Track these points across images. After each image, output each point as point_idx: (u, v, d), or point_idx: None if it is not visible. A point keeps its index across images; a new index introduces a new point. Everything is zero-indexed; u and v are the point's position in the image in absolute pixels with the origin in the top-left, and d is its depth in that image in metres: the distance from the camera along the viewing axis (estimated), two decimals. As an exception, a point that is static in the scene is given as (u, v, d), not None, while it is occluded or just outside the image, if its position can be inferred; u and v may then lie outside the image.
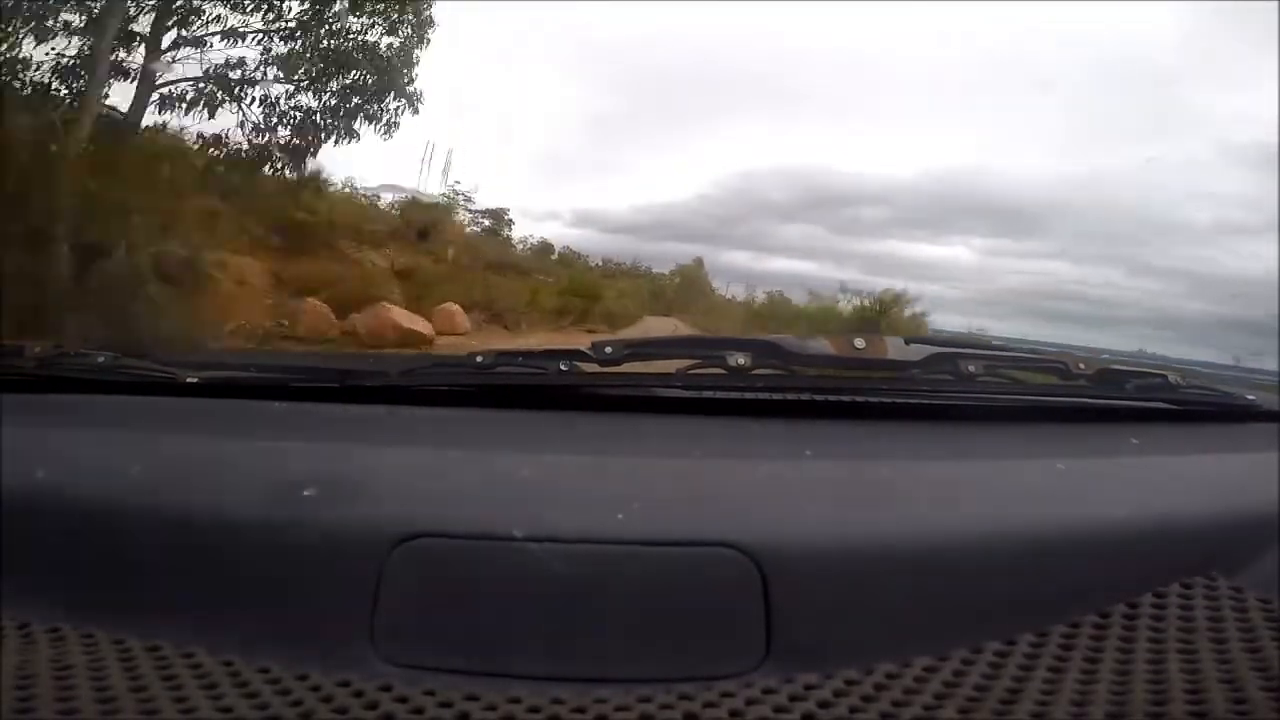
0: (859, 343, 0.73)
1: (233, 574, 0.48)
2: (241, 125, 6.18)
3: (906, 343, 0.75)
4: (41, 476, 0.53)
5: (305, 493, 0.50)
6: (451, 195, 8.29)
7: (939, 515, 0.52)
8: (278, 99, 6.31)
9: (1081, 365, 0.75)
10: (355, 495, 0.52)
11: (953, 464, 0.63)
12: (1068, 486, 0.58)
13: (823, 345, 0.75)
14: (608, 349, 0.71)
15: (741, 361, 0.70)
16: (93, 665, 0.43)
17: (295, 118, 6.38)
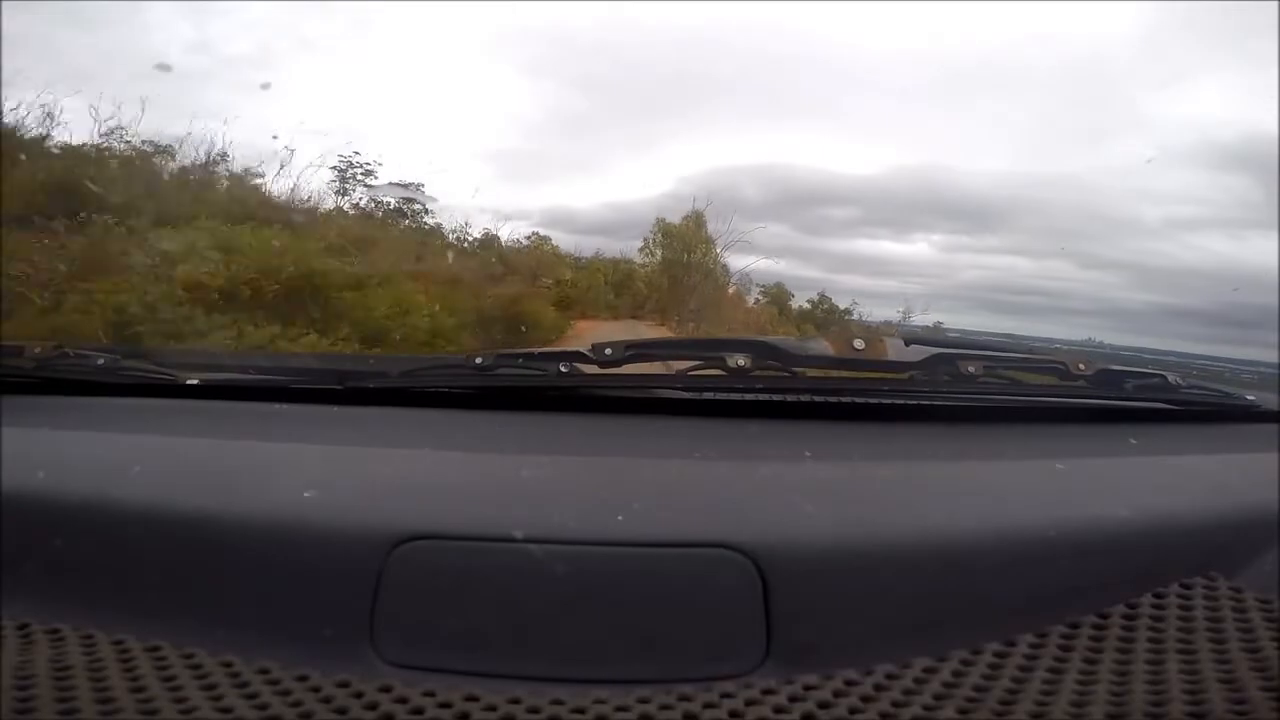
0: (858, 344, 0.73)
1: (233, 575, 0.48)
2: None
3: (906, 344, 0.75)
4: (42, 477, 0.53)
5: (306, 494, 0.50)
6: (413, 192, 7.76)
7: (938, 516, 0.52)
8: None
9: (1081, 366, 0.75)
10: (355, 497, 0.52)
11: (952, 465, 0.63)
12: (1067, 487, 0.58)
13: (822, 346, 0.75)
14: (607, 350, 0.71)
15: (741, 363, 0.70)
16: (92, 665, 0.43)
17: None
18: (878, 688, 0.42)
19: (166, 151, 6.15)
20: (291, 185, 6.94)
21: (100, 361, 0.75)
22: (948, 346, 0.76)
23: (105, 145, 5.71)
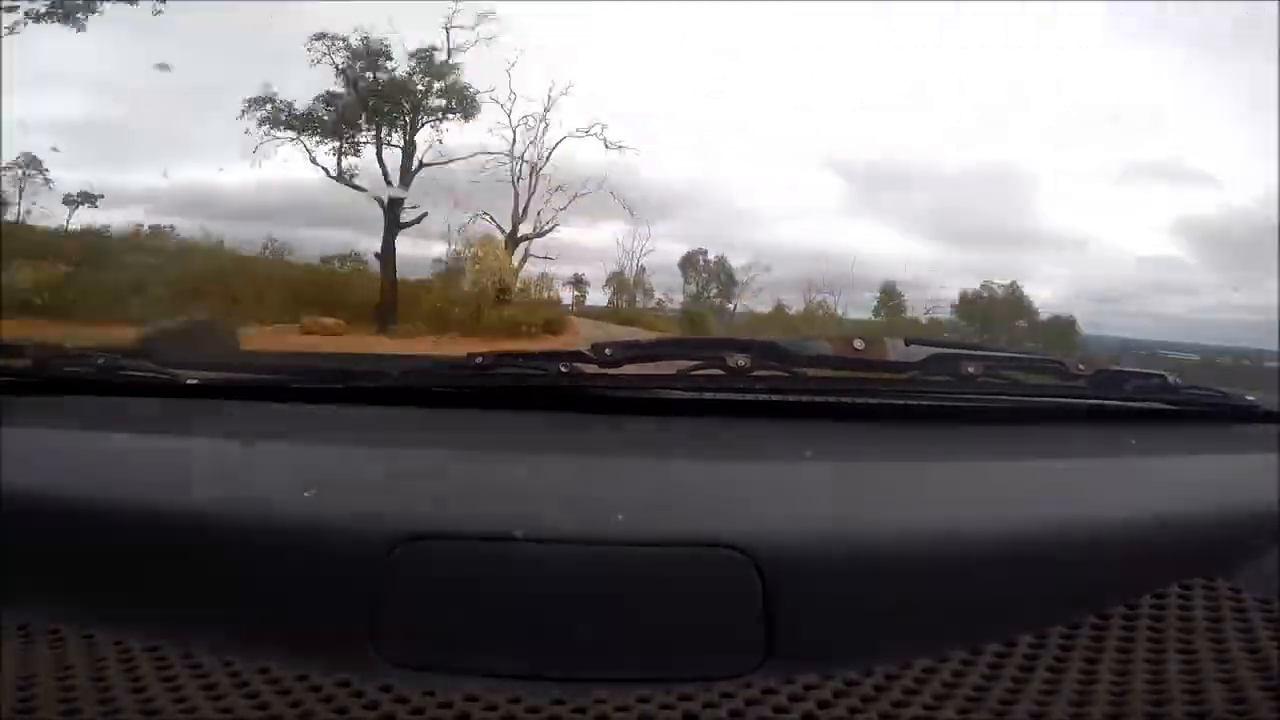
0: (859, 344, 0.73)
1: (233, 575, 0.48)
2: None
3: (906, 344, 0.75)
4: (41, 478, 0.53)
5: (305, 494, 0.50)
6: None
7: (939, 516, 0.52)
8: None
9: (1080, 366, 0.75)
10: (355, 496, 0.52)
11: (952, 464, 0.63)
12: (1066, 487, 0.58)
13: (823, 346, 0.75)
14: (607, 350, 0.71)
15: (741, 362, 0.70)
16: (93, 665, 0.43)
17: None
18: (878, 688, 0.42)
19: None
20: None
21: (100, 361, 0.75)
22: (948, 347, 0.76)
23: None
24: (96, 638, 0.45)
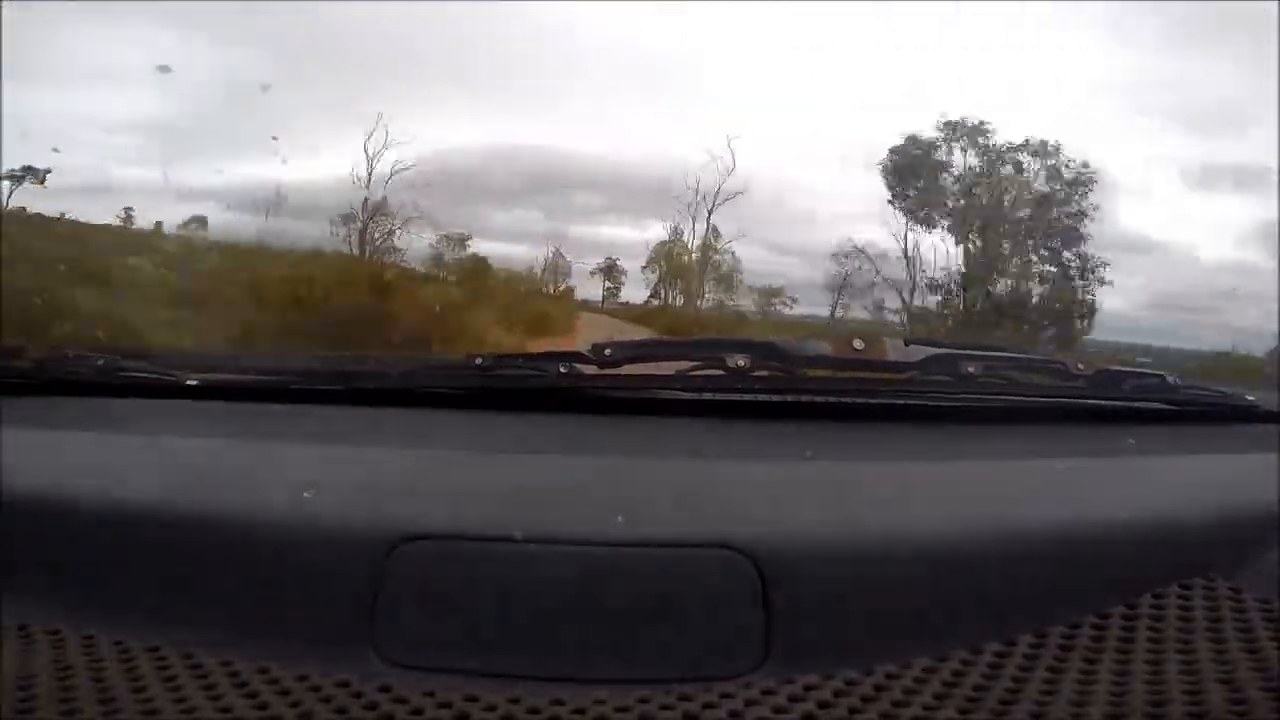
0: (858, 344, 0.73)
1: (233, 575, 0.48)
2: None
3: (906, 344, 0.75)
4: (42, 479, 0.53)
5: (305, 494, 0.50)
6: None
7: (938, 516, 0.52)
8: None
9: (1080, 366, 0.75)
10: (355, 496, 0.52)
11: (952, 465, 0.63)
12: (1066, 487, 0.58)
13: (822, 347, 0.75)
14: (607, 351, 0.71)
15: (741, 363, 0.70)
16: (93, 665, 0.43)
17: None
18: (878, 688, 0.42)
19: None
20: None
21: (100, 362, 0.75)
22: (948, 347, 0.76)
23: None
24: (96, 638, 0.45)
